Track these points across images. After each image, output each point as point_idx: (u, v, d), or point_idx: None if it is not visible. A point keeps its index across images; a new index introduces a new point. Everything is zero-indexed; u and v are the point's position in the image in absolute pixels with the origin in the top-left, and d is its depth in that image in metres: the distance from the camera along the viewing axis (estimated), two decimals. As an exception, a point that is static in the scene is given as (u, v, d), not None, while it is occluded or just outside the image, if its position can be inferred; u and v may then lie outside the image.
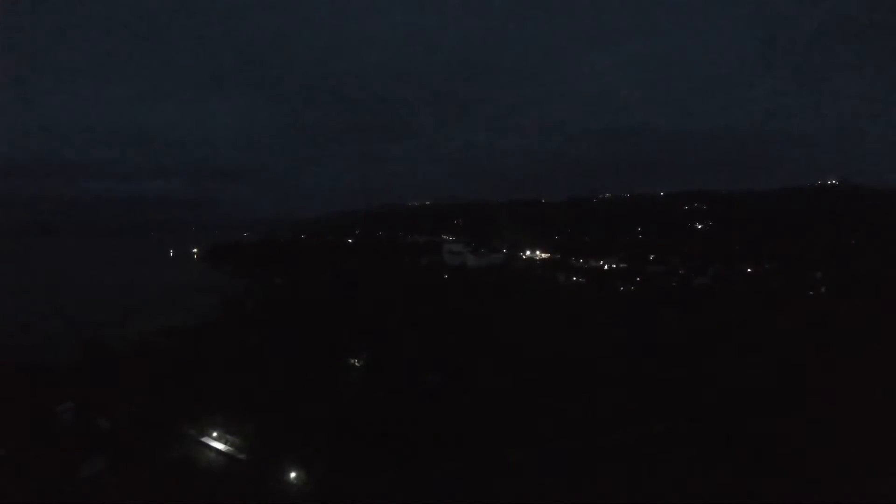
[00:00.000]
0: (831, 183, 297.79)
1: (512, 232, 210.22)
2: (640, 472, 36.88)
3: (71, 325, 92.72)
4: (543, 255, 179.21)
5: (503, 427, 43.24)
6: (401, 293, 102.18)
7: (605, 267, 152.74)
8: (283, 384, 52.46)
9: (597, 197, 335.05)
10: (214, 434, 45.14)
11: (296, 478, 38.35)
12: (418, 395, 49.30)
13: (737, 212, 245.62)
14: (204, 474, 39.75)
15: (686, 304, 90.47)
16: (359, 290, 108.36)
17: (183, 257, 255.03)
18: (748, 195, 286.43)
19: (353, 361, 62.36)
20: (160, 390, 51.40)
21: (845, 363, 54.29)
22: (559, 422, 44.18)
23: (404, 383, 52.55)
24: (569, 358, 59.08)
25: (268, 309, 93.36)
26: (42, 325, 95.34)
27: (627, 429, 43.32)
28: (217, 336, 72.52)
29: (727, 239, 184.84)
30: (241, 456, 42.38)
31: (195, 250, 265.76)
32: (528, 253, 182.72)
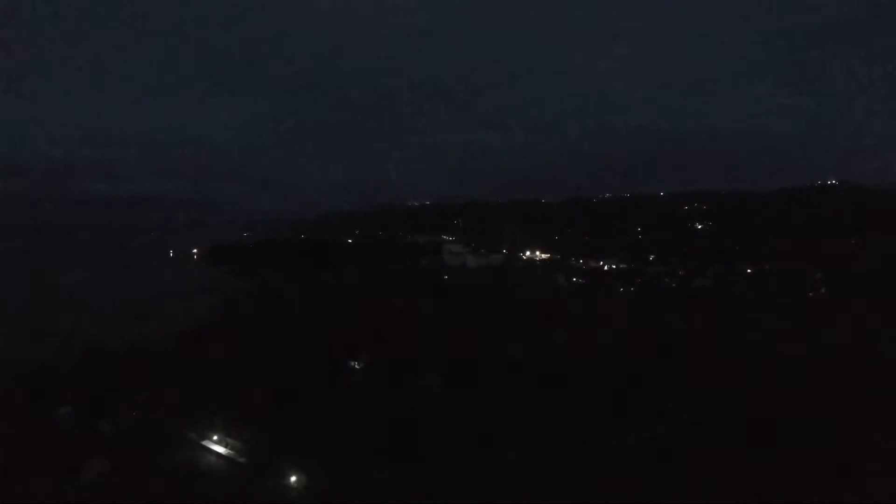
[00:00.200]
0: (831, 183, 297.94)
1: (512, 232, 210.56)
2: (640, 472, 36.88)
3: (71, 327, 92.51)
4: (543, 256, 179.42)
5: (503, 428, 43.18)
6: (401, 294, 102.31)
7: (605, 267, 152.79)
8: (283, 386, 52.43)
9: (597, 197, 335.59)
10: (215, 437, 45.14)
11: (296, 481, 38.31)
12: (418, 397, 49.24)
13: (737, 212, 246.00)
14: (204, 478, 39.77)
15: (686, 305, 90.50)
16: (359, 291, 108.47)
17: (183, 257, 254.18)
18: (748, 195, 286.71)
19: (352, 364, 62.32)
20: (160, 392, 51.27)
21: (845, 363, 54.34)
22: (559, 422, 44.14)
23: (404, 385, 52.51)
24: (569, 358, 59.09)
25: (268, 310, 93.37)
26: (42, 326, 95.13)
27: (627, 429, 43.32)
28: (217, 337, 72.38)
29: (727, 239, 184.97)
30: (242, 459, 42.35)
31: (195, 250, 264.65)
32: (527, 253, 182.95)
